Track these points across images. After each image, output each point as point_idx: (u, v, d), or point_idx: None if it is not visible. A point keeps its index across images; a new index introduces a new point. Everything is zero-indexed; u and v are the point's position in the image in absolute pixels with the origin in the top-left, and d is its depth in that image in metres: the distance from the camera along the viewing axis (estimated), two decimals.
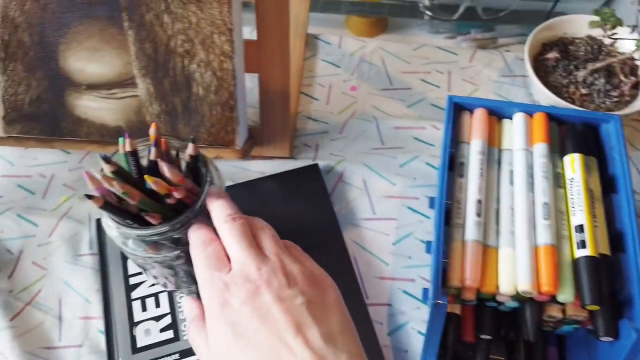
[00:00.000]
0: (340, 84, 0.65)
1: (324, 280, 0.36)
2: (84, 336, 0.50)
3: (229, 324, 0.32)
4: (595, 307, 0.37)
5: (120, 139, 0.39)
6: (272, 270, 0.34)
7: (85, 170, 0.36)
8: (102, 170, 0.38)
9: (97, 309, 0.51)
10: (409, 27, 0.76)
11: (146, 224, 0.39)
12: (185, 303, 0.40)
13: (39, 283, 0.52)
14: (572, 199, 0.41)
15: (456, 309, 0.42)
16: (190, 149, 0.38)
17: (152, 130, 0.38)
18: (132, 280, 0.51)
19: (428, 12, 0.75)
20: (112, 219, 0.38)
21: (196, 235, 0.37)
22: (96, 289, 0.52)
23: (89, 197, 0.35)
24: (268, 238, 0.36)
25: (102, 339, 0.49)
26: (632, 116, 0.57)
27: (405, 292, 0.51)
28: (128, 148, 0.39)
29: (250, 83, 0.55)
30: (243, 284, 0.33)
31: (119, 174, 0.38)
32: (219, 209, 0.37)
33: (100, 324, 0.50)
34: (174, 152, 0.43)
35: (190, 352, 0.48)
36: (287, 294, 0.33)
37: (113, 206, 0.37)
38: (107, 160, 0.37)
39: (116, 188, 0.36)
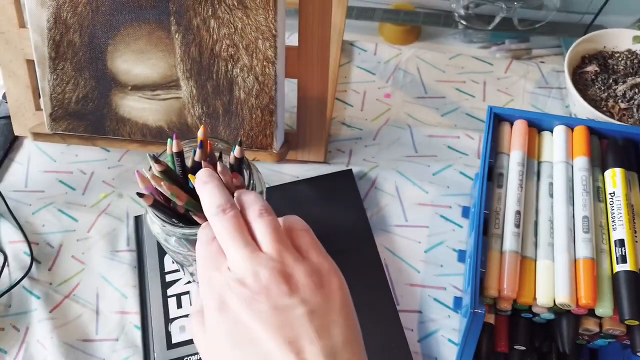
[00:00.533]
0: (375, 91, 0.66)
1: (330, 279, 0.32)
2: (120, 330, 0.51)
3: (225, 330, 0.30)
4: (634, 322, 0.37)
5: (169, 140, 0.40)
6: (270, 274, 0.30)
7: (137, 170, 0.37)
8: (150, 169, 0.39)
9: (132, 305, 0.52)
10: (442, 36, 0.76)
11: (190, 223, 0.40)
12: (194, 296, 0.37)
13: (78, 277, 0.54)
14: (613, 213, 0.41)
15: (490, 318, 0.43)
16: (237, 151, 0.39)
17: (200, 132, 0.39)
18: (168, 278, 0.52)
19: (463, 22, 0.75)
20: (158, 217, 0.39)
21: (202, 233, 0.34)
22: (132, 285, 0.53)
23: (140, 195, 0.36)
24: (266, 231, 0.32)
25: (137, 334, 0.50)
26: None
27: (436, 299, 0.51)
28: (175, 149, 0.40)
29: (286, 88, 0.56)
30: (239, 290, 0.30)
31: (166, 174, 0.39)
32: (207, 198, 0.34)
33: (135, 319, 0.51)
34: (217, 154, 0.44)
35: None
36: (287, 303, 0.29)
37: (161, 205, 0.38)
38: (156, 160, 0.38)
39: (164, 189, 0.37)
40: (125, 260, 0.54)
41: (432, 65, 0.68)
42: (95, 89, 0.53)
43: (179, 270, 0.52)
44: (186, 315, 0.50)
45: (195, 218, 0.38)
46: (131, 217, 0.57)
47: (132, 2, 0.48)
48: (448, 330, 0.50)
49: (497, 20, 0.72)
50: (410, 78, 0.67)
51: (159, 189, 0.37)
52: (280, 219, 0.35)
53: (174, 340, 0.49)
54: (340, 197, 0.57)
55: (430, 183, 0.58)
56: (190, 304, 0.51)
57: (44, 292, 0.53)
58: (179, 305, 0.51)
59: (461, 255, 0.52)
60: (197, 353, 0.49)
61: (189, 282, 0.52)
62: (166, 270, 0.53)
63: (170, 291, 0.52)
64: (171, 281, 0.52)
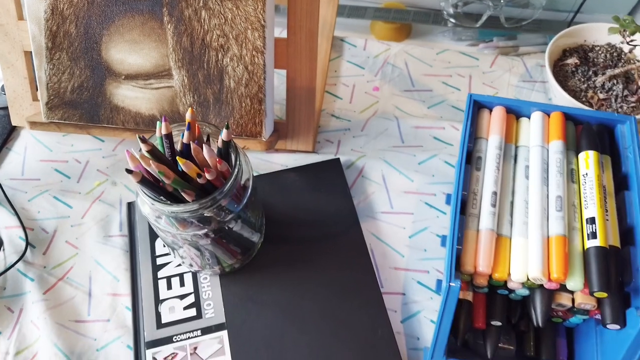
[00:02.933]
0: (364, 84, 0.68)
1: None
2: (112, 311, 0.52)
3: None
4: (603, 294, 0.38)
5: (158, 123, 0.42)
6: None
7: (126, 149, 0.39)
8: (140, 150, 0.41)
9: (124, 287, 0.53)
10: (432, 34, 0.78)
11: (178, 202, 0.42)
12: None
13: (71, 260, 0.55)
14: (585, 193, 0.42)
15: (468, 296, 0.44)
16: (224, 135, 0.41)
17: (188, 115, 0.41)
18: (159, 261, 0.54)
19: (452, 20, 0.77)
20: (147, 195, 0.41)
21: None
22: (124, 268, 0.54)
23: (129, 171, 0.38)
24: None
25: (128, 315, 0.52)
26: None
27: (419, 282, 0.53)
28: (164, 131, 0.42)
29: (276, 81, 0.57)
30: None
31: (154, 153, 0.41)
32: None
33: (126, 301, 0.53)
34: (205, 137, 0.45)
35: (210, 329, 0.50)
36: None
37: (150, 183, 0.40)
38: (143, 140, 0.40)
39: (152, 168, 0.39)
40: (118, 245, 0.56)
41: (419, 60, 0.69)
42: (90, 78, 0.55)
43: (170, 254, 0.54)
44: (175, 297, 0.52)
45: (185, 195, 0.40)
46: (124, 203, 0.58)
47: None
48: (430, 312, 0.51)
49: (484, 18, 0.74)
50: (398, 72, 0.68)
51: (147, 168, 0.39)
52: None
53: (163, 320, 0.51)
54: (328, 185, 0.58)
55: (416, 172, 0.59)
56: (181, 286, 0.52)
57: (38, 274, 0.54)
58: (169, 287, 0.52)
59: (444, 240, 0.54)
60: (185, 332, 0.50)
61: (179, 264, 0.53)
62: (157, 254, 0.54)
63: (160, 273, 0.53)
64: (162, 264, 0.54)
